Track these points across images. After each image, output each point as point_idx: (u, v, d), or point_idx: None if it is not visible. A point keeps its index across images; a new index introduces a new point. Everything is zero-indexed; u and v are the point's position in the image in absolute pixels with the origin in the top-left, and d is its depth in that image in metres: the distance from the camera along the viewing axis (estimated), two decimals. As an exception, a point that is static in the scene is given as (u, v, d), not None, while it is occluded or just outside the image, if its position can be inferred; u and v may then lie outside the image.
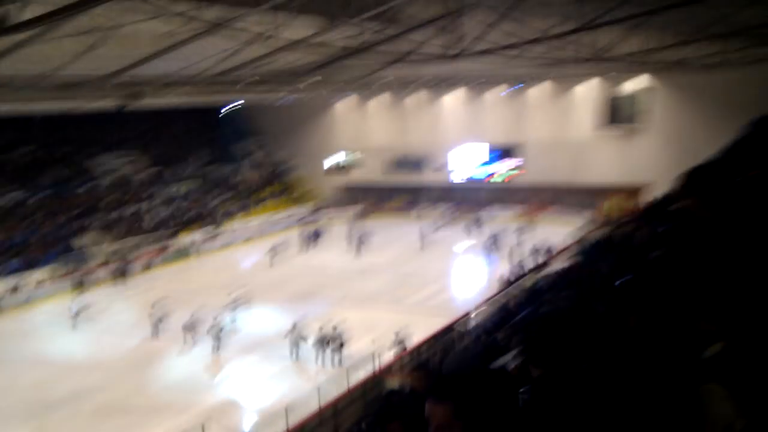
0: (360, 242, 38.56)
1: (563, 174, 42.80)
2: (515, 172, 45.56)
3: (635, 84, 39.93)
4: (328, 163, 53.27)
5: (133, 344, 25.71)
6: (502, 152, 45.66)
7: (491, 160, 46.05)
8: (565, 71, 34.08)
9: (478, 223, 41.82)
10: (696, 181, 3.21)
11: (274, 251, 38.50)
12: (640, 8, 13.96)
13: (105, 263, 36.53)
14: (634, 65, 28.38)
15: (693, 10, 17.84)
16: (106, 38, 20.39)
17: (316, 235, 40.53)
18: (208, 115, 53.96)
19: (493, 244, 35.85)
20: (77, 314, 28.35)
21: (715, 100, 36.12)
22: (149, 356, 24.35)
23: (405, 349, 21.73)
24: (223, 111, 52.82)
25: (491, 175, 46.00)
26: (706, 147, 30.27)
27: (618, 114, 40.88)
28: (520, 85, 41.73)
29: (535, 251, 32.46)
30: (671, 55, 25.12)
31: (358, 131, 50.98)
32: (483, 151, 45.93)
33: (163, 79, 24.17)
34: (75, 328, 28.02)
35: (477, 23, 15.14)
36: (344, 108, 51.21)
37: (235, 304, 27.79)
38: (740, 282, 3.19)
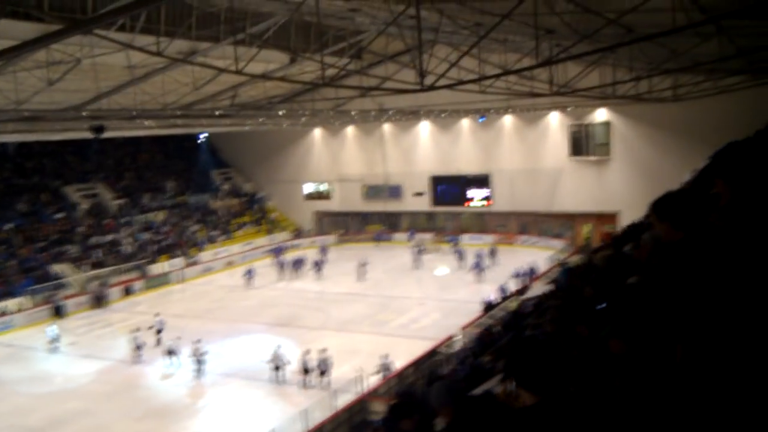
0: (362, 269, 38.52)
1: (537, 201, 43.46)
2: (484, 202, 46.13)
3: (600, 116, 40.91)
4: (306, 189, 53.43)
5: (114, 369, 25.54)
6: (475, 181, 46.20)
7: (470, 186, 46.50)
8: (530, 104, 34.99)
9: (456, 248, 42.06)
10: (666, 208, 3.32)
11: (249, 275, 38.86)
12: (594, 46, 14.58)
13: (83, 289, 36.24)
14: (594, 99, 29.26)
15: (645, 48, 18.63)
16: (67, 72, 20.73)
17: (297, 262, 40.39)
18: (184, 142, 54.17)
19: (476, 267, 36.17)
20: (56, 340, 28.08)
21: (676, 131, 37.17)
22: (130, 381, 24.20)
23: (389, 371, 21.85)
24: (199, 139, 53.00)
25: (470, 199, 46.48)
26: (671, 175, 31.44)
27: (585, 144, 41.75)
28: (483, 119, 42.51)
29: (517, 275, 32.90)
30: (628, 90, 26.00)
31: (335, 159, 51.30)
32: (461, 177, 46.40)
33: (125, 113, 24.38)
34: (54, 353, 27.75)
35: (439, 60, 15.71)
36: (321, 136, 51.57)
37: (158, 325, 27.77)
38: (716, 304, 3.37)
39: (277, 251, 43.75)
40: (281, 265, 40.58)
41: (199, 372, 23.96)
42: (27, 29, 15.02)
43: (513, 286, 29.87)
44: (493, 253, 39.69)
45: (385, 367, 21.87)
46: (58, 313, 33.39)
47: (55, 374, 25.60)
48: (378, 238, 48.58)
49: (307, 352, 22.75)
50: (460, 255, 39.67)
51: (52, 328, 28.60)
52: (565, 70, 23.99)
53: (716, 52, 16.15)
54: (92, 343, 29.29)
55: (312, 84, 24.77)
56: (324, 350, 22.54)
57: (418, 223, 49.30)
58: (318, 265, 39.08)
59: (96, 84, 23.37)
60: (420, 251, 41.52)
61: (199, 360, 23.99)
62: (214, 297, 37.43)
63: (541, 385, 4.00)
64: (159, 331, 27.17)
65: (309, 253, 43.97)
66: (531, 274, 32.94)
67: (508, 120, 44.14)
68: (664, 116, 36.85)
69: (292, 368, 22.79)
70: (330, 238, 50.14)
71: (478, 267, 36.15)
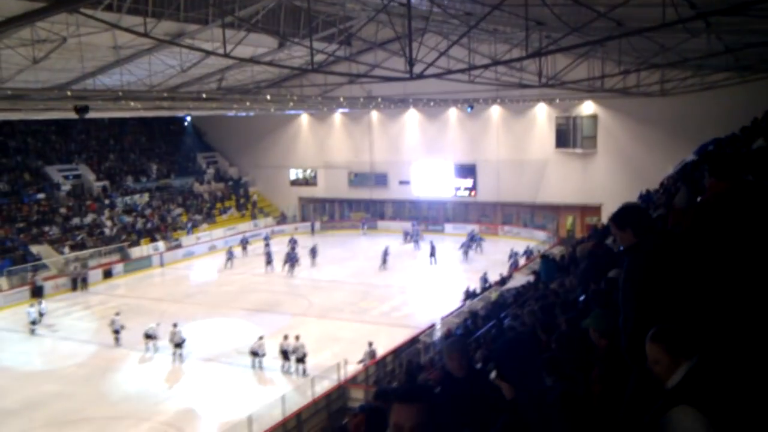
0: (313, 254, 38.68)
1: (522, 192, 43.58)
2: (467, 192, 46.21)
3: (587, 109, 41.04)
4: (292, 175, 53.20)
5: (93, 352, 25.35)
6: (461, 170, 46.21)
7: (456, 176, 46.52)
8: (518, 95, 35.05)
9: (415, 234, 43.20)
10: (624, 218, 3.77)
11: (230, 256, 39.27)
12: (584, 39, 14.57)
13: (64, 271, 35.90)
14: (582, 92, 29.35)
15: (634, 42, 18.67)
16: (52, 51, 20.47)
17: (290, 244, 40.11)
18: (169, 125, 53.74)
19: (465, 252, 36.46)
20: (35, 321, 27.81)
21: (662, 126, 37.45)
22: (109, 364, 24.03)
23: (373, 357, 21.86)
24: (185, 122, 52.54)
25: (457, 189, 46.50)
26: (655, 169, 31.66)
27: (571, 137, 41.91)
28: (471, 109, 42.56)
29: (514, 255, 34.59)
30: (616, 83, 26.10)
31: (321, 145, 51.07)
32: (447, 167, 46.39)
33: (110, 93, 24.15)
34: (32, 335, 27.50)
35: (428, 48, 15.62)
36: (308, 122, 51.30)
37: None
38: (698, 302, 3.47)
39: (243, 241, 43.31)
40: (270, 251, 40.15)
41: (177, 356, 23.85)
42: (12, 6, 14.72)
43: (494, 275, 29.90)
44: (473, 239, 40.28)
45: (370, 355, 21.87)
46: (38, 294, 33.04)
47: (31, 356, 25.36)
48: (363, 226, 48.51)
49: (285, 337, 22.67)
50: (446, 244, 39.95)
51: (33, 309, 28.31)
52: (554, 63, 23.98)
53: (704, 49, 16.18)
54: (70, 325, 29.04)
55: (300, 69, 24.72)
56: (297, 337, 22.51)
57: (402, 213, 49.35)
58: (292, 259, 37.88)
59: (81, 64, 23.08)
60: (405, 239, 41.66)
61: (177, 344, 23.86)
62: (194, 282, 37.24)
63: (519, 379, 3.95)
64: (120, 328, 25.99)
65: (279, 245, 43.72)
66: (529, 252, 34.65)
67: (495, 111, 44.16)
68: (650, 111, 37.04)
69: (272, 356, 22.71)
70: (317, 223, 50.03)
71: (466, 246, 36.48)
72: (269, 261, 38.04)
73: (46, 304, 29.06)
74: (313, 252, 38.80)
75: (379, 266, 36.83)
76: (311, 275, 36.41)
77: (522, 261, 34.59)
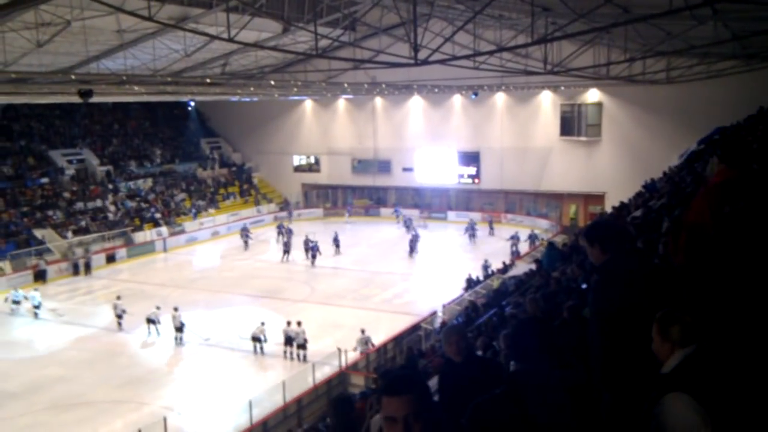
0: (336, 243, 37.93)
1: (526, 180, 43.46)
2: (471, 179, 46.10)
3: (592, 96, 40.85)
4: (296, 161, 53.12)
5: (95, 336, 25.42)
6: (464, 158, 46.08)
7: (459, 164, 46.39)
8: (523, 82, 34.84)
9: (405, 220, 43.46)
10: (596, 233, 3.78)
11: (246, 236, 39.58)
12: (590, 25, 14.43)
13: (67, 255, 35.97)
14: (587, 79, 29.19)
15: (640, 29, 18.52)
16: (56, 34, 20.39)
17: (286, 234, 39.64)
18: (173, 110, 53.64)
19: (471, 237, 36.41)
20: (38, 305, 27.88)
21: (667, 114, 37.28)
22: (111, 348, 24.10)
23: (366, 344, 21.89)
24: (189, 107, 52.43)
25: (461, 176, 46.38)
26: (659, 158, 31.53)
27: (576, 125, 41.75)
28: (475, 95, 42.36)
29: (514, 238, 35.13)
30: (622, 71, 25.93)
31: (325, 132, 50.93)
32: (451, 154, 46.25)
33: (114, 77, 24.08)
34: (36, 319, 27.57)
35: (433, 34, 15.49)
36: (311, 108, 51.15)
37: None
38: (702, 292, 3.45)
39: (244, 231, 42.43)
40: (280, 234, 40.06)
41: (177, 340, 23.92)
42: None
43: (497, 263, 29.81)
44: (472, 227, 40.06)
45: (363, 342, 21.88)
46: (41, 278, 33.14)
47: (34, 340, 25.44)
48: (348, 213, 48.67)
49: (288, 323, 22.69)
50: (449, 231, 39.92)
51: (36, 293, 28.36)
52: (560, 49, 23.80)
53: (711, 36, 16.03)
54: (73, 309, 29.10)
55: (304, 54, 24.51)
56: (299, 323, 22.47)
57: (405, 200, 49.28)
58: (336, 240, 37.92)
59: (85, 47, 22.99)
60: (409, 226, 41.56)
61: (177, 328, 23.91)
62: (197, 267, 37.27)
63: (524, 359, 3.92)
64: (123, 312, 25.98)
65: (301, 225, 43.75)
66: (532, 241, 35.10)
67: (500, 98, 43.95)
68: (655, 99, 36.84)
69: (273, 342, 22.73)
70: (321, 210, 50.00)
71: (471, 230, 36.46)
72: (287, 250, 37.17)
73: (38, 294, 28.59)
74: (336, 241, 37.80)
75: (409, 254, 36.72)
76: (330, 264, 36.17)
77: (524, 247, 34.69)
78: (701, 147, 23.03)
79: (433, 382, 6.69)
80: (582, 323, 5.40)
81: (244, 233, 41.26)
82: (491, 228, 40.24)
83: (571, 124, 41.89)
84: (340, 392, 17.96)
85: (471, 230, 38.94)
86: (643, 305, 3.42)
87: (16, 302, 28.27)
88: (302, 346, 22.23)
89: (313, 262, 35.35)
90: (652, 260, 4.11)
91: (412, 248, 36.94)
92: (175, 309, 24.33)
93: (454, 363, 4.74)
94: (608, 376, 3.57)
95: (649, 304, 3.42)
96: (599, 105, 40.89)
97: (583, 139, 41.50)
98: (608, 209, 28.81)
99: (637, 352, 3.32)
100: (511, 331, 4.64)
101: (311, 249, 35.72)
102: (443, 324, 20.66)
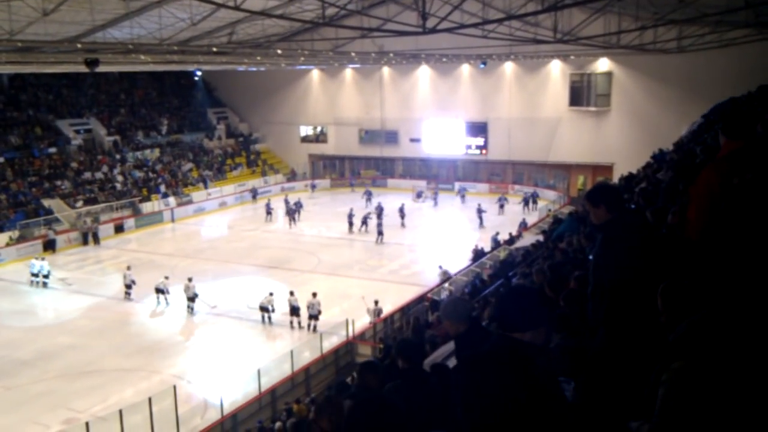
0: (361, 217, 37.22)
1: (534, 151, 43.21)
2: (478, 150, 45.88)
3: (602, 66, 40.44)
4: (303, 131, 52.97)
5: (105, 305, 25.64)
6: (472, 128, 45.83)
7: (467, 134, 46.14)
8: (532, 51, 34.40)
9: (461, 194, 43.31)
10: (601, 195, 3.92)
11: (268, 209, 39.66)
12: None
13: (76, 225, 36.15)
14: (598, 48, 28.84)
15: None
16: (62, 2, 20.19)
17: (295, 205, 39.65)
18: (180, 80, 53.39)
19: (478, 213, 36.31)
20: (47, 276, 28.09)
21: (677, 84, 36.89)
22: (120, 317, 24.34)
23: (379, 315, 22.03)
24: (196, 76, 52.17)
25: (468, 147, 46.17)
26: (669, 128, 31.27)
27: (585, 95, 41.41)
28: (483, 65, 41.94)
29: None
30: (632, 39, 25.59)
31: (332, 102, 50.66)
32: (458, 125, 46.00)
33: (120, 46, 23.93)
34: (45, 288, 27.81)
35: (441, 2, 15.26)
36: (318, 78, 50.83)
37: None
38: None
39: (280, 192, 42.96)
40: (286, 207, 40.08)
41: (190, 310, 24.10)
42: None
43: (505, 234, 29.77)
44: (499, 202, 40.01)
45: (376, 313, 22.02)
46: (50, 247, 33.36)
47: (45, 309, 25.73)
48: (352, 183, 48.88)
49: (291, 293, 22.79)
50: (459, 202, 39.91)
51: (45, 263, 28.54)
52: (570, 17, 23.49)
53: (723, 4, 15.79)
54: (83, 279, 29.33)
55: (311, 23, 24.33)
56: (314, 294, 22.48)
57: (412, 170, 49.19)
58: (291, 213, 38.35)
59: (91, 16, 22.82)
60: (418, 197, 41.53)
61: (190, 298, 24.08)
62: (205, 237, 37.43)
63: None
64: (132, 282, 26.08)
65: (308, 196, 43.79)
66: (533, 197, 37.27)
67: (508, 67, 43.55)
68: (666, 68, 36.43)
69: (281, 312, 22.87)
70: (326, 180, 49.99)
71: (479, 215, 36.46)
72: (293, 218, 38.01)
73: (46, 263, 28.68)
74: (402, 212, 37.06)
75: (400, 224, 36.45)
76: (320, 231, 36.37)
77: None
78: (705, 120, 22.81)
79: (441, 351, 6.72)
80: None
81: (268, 207, 40.47)
82: (501, 208, 39.52)
83: (580, 94, 41.56)
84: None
85: (479, 213, 37.87)
86: (646, 262, 3.61)
87: (35, 275, 28.19)
88: (314, 317, 22.28)
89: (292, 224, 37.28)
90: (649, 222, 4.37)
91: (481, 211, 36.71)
92: (189, 279, 24.49)
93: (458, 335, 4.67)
94: (611, 334, 3.74)
95: (653, 266, 3.58)
96: (609, 75, 40.49)
97: (592, 109, 41.18)
98: (616, 180, 28.66)
99: (640, 312, 3.43)
100: (498, 300, 4.58)
101: (291, 212, 37.15)
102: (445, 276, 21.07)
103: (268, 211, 39.68)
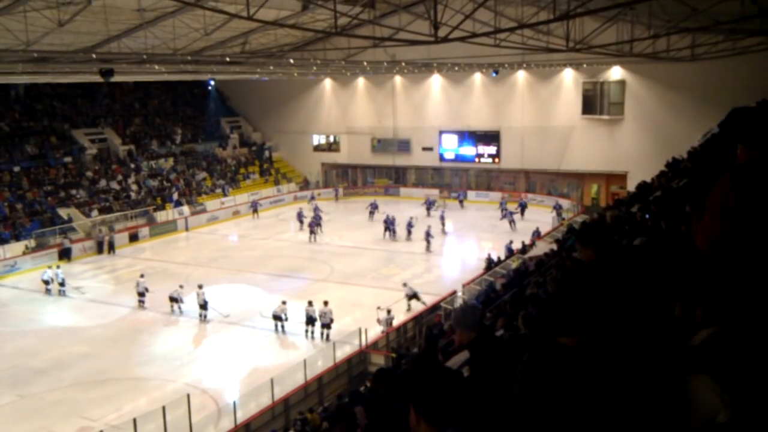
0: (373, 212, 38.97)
1: (547, 159, 43.11)
2: (491, 159, 45.84)
3: (615, 74, 40.34)
4: (315, 140, 53.14)
5: (119, 314, 25.76)
6: (485, 137, 45.79)
7: (479, 143, 46.10)
8: (544, 60, 34.32)
9: (459, 199, 43.94)
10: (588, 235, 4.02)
11: (300, 217, 39.40)
12: (613, 1, 14.18)
13: (91, 234, 36.41)
14: (610, 57, 28.74)
15: (665, 4, 18.16)
16: (77, 13, 20.40)
17: (315, 218, 39.35)
18: (194, 89, 53.77)
19: (507, 215, 36.48)
20: (62, 284, 28.29)
21: (691, 93, 36.72)
22: (135, 326, 24.44)
23: (390, 325, 21.99)
24: (209, 86, 52.51)
25: (481, 156, 46.13)
26: (682, 137, 31.09)
27: (598, 103, 41.29)
28: (495, 73, 41.93)
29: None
30: (645, 48, 25.50)
31: (345, 111, 50.80)
32: (471, 134, 45.99)
33: (134, 56, 24.13)
34: (60, 297, 28.00)
35: (453, 11, 15.31)
36: (331, 87, 51.01)
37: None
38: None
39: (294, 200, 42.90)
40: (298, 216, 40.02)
41: (203, 318, 24.18)
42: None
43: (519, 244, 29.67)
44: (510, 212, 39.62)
45: (388, 322, 22.00)
46: (65, 256, 33.61)
47: (59, 318, 25.86)
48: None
49: (310, 303, 22.81)
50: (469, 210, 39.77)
51: (60, 271, 28.77)
52: (582, 26, 23.44)
53: (737, 12, 15.73)
54: (97, 287, 29.52)
55: (324, 32, 24.42)
56: (326, 303, 22.53)
57: (425, 179, 49.20)
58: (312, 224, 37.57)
59: (106, 27, 23.06)
60: (430, 206, 41.44)
61: (201, 305, 24.16)
62: (219, 246, 37.57)
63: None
64: (146, 290, 26.20)
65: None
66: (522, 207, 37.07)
67: (521, 76, 43.54)
68: (679, 77, 36.29)
69: (294, 321, 22.88)
70: (339, 189, 50.13)
71: (509, 215, 36.59)
72: (313, 231, 36.96)
73: (61, 271, 29.02)
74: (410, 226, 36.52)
75: (405, 237, 36.02)
76: (333, 240, 36.39)
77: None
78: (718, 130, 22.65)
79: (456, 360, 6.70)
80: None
81: (299, 216, 40.13)
82: (522, 212, 39.20)
83: (593, 102, 41.46)
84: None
85: (509, 215, 37.56)
86: (636, 297, 3.62)
87: (47, 282, 28.43)
88: (327, 325, 22.27)
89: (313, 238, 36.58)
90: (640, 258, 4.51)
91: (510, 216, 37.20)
92: (200, 286, 24.61)
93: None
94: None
95: (655, 290, 3.62)
96: (622, 83, 40.39)
97: (605, 117, 41.06)
98: (631, 189, 28.51)
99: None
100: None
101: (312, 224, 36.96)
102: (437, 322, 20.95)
103: (300, 219, 39.30)
